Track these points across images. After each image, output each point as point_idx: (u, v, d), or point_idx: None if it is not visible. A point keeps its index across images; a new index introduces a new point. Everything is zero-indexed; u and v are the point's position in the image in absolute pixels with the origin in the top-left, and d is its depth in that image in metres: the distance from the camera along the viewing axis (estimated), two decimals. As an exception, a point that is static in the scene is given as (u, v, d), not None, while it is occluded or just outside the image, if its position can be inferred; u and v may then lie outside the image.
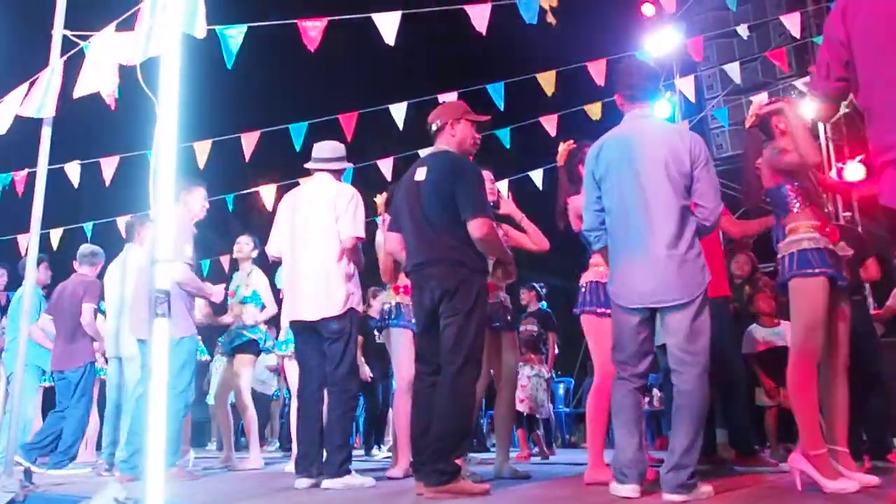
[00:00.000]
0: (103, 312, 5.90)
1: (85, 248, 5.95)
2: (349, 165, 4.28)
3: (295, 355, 4.42)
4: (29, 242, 3.81)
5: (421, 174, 3.39)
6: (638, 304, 2.94)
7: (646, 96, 3.15)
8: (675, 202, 2.90)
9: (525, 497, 3.15)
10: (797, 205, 3.20)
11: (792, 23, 6.99)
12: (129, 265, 5.26)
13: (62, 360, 5.56)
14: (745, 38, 8.94)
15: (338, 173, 4.15)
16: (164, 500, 2.17)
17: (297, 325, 3.99)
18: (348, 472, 3.71)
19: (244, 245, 5.80)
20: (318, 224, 3.92)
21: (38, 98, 3.77)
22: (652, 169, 2.94)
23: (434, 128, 3.49)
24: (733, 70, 8.01)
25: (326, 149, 4.15)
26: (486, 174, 4.26)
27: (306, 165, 4.19)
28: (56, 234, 7.71)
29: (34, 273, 3.87)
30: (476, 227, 3.22)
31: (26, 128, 4.07)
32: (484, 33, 4.68)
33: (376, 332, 6.11)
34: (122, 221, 7.83)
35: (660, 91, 3.25)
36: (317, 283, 3.86)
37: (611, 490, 2.95)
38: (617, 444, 2.98)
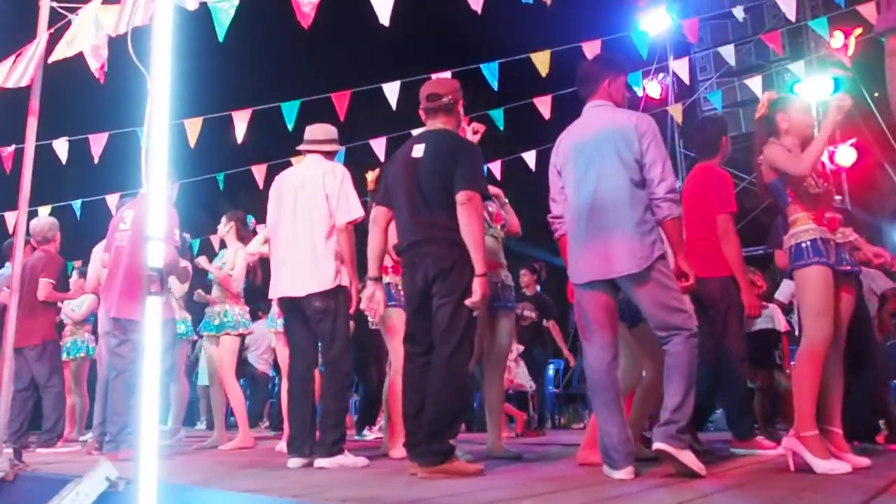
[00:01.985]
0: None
1: (35, 224, 5.78)
2: (341, 148, 4.28)
3: (284, 334, 4.38)
4: (17, 220, 3.75)
5: (418, 151, 3.34)
6: (589, 279, 3.06)
7: (594, 88, 3.26)
8: (625, 179, 3.01)
9: (519, 477, 3.15)
10: (796, 196, 3.20)
11: (787, 6, 6.96)
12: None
13: (19, 336, 5.45)
14: (741, 20, 8.90)
15: (329, 155, 4.13)
16: (157, 478, 2.16)
17: (285, 304, 3.96)
18: (341, 451, 3.70)
19: (220, 225, 5.87)
20: (308, 201, 3.89)
21: (21, 69, 3.71)
22: (602, 150, 3.07)
23: (446, 102, 3.42)
24: (728, 52, 7.98)
25: (319, 131, 4.14)
26: None
27: (298, 148, 4.16)
28: (44, 212, 7.62)
29: (22, 251, 3.81)
30: (465, 196, 3.19)
31: (13, 103, 4.00)
32: (479, 12, 4.62)
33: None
34: (110, 199, 7.78)
35: (614, 73, 3.26)
36: (304, 259, 3.83)
37: (604, 471, 2.96)
38: (600, 427, 3.01)
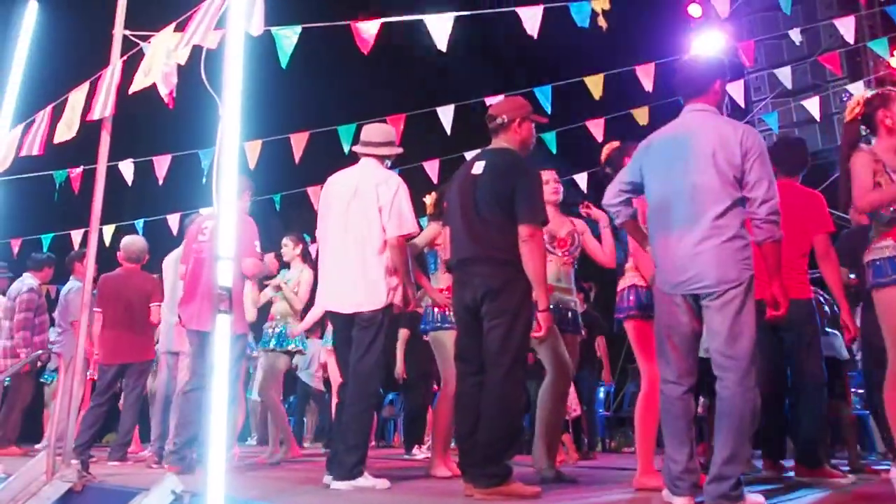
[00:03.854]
0: None
1: (132, 244, 5.82)
2: (399, 151, 4.03)
3: (334, 350, 4.22)
4: (89, 238, 3.88)
5: (478, 168, 3.36)
6: (674, 290, 2.88)
7: (699, 91, 3.03)
8: (720, 192, 2.82)
9: (577, 501, 3.13)
10: (881, 213, 3.06)
11: (846, 27, 6.85)
12: None
13: (131, 352, 5.52)
14: (798, 43, 8.76)
15: (385, 160, 3.93)
16: (224, 492, 2.21)
17: (336, 320, 3.83)
18: (360, 473, 3.49)
19: (285, 247, 5.81)
20: (359, 214, 3.72)
21: (102, 99, 3.85)
22: (700, 159, 2.87)
23: (500, 122, 3.44)
24: (784, 73, 7.86)
25: (374, 132, 3.95)
26: (551, 174, 4.25)
27: (354, 148, 3.99)
28: (108, 231, 7.90)
29: (93, 268, 3.95)
30: (527, 233, 3.20)
31: (81, 127, 4.15)
32: (536, 36, 4.66)
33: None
34: (171, 219, 8.03)
35: (725, 76, 3.07)
36: (355, 276, 3.69)
37: (664, 497, 2.91)
38: (667, 454, 2.89)
